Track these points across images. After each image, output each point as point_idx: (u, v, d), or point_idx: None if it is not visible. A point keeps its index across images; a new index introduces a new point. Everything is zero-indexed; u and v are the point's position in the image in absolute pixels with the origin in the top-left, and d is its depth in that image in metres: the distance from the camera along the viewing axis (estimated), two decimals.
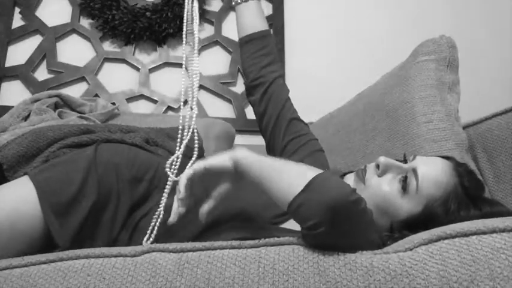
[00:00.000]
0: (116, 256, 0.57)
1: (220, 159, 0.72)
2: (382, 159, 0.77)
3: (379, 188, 0.75)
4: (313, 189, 0.59)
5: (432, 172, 0.74)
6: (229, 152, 0.72)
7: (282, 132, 1.04)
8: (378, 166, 0.77)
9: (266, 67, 1.06)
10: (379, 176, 0.77)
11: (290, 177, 0.63)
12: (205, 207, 0.72)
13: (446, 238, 0.53)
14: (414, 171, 0.74)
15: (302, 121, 1.08)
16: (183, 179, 0.72)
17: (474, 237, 0.52)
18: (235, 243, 0.57)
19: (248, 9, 1.06)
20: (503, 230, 0.52)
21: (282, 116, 1.04)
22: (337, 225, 0.56)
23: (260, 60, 1.06)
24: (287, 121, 1.04)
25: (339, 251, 0.56)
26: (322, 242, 0.57)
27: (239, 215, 0.82)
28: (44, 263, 0.57)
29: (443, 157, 0.81)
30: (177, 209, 0.73)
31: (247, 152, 0.71)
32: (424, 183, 0.73)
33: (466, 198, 0.74)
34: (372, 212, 0.61)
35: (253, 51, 1.06)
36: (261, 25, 1.06)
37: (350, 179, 0.80)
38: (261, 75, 1.05)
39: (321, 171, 0.63)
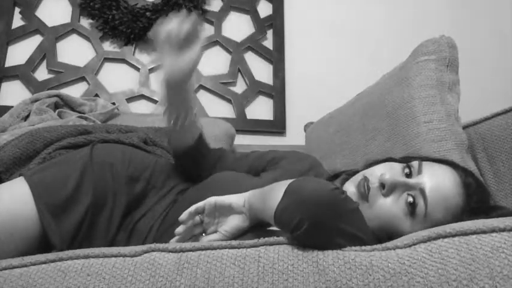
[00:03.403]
0: (115, 256, 0.57)
1: (232, 198, 0.72)
2: (388, 178, 0.72)
3: (386, 211, 0.71)
4: (289, 193, 0.58)
5: (441, 194, 0.71)
6: (242, 194, 0.73)
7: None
8: (382, 185, 0.73)
9: (206, 168, 1.00)
10: (385, 195, 0.72)
11: (275, 195, 0.63)
12: (209, 238, 0.72)
13: (445, 237, 0.53)
14: (422, 192, 0.71)
15: (258, 155, 1.03)
16: (191, 207, 0.73)
17: (474, 236, 0.52)
18: (234, 242, 0.57)
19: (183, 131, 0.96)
20: (503, 230, 0.52)
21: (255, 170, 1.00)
22: (319, 217, 0.54)
23: (201, 165, 1.00)
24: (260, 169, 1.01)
25: (336, 248, 0.55)
26: (312, 241, 0.56)
27: None
28: (44, 263, 0.57)
29: (449, 163, 0.77)
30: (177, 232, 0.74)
31: (255, 191, 0.72)
32: (433, 208, 0.70)
33: (472, 213, 0.71)
34: (357, 203, 0.60)
35: (190, 163, 0.99)
36: (192, 139, 0.97)
37: (349, 189, 0.77)
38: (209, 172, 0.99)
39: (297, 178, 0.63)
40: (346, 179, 0.81)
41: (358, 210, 0.60)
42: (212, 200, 0.73)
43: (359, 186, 0.75)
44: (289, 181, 0.62)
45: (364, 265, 0.52)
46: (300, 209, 0.55)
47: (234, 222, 0.72)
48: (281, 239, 0.58)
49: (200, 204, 0.73)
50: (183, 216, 0.73)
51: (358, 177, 0.78)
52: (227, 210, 0.72)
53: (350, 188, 0.77)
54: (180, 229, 0.73)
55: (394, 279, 0.50)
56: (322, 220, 0.55)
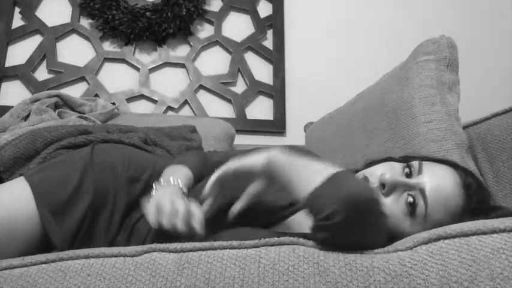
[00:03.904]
0: (116, 256, 0.57)
1: (250, 160, 0.72)
2: (388, 178, 0.72)
3: (386, 211, 0.72)
4: (333, 182, 0.59)
5: (442, 194, 0.70)
6: (261, 152, 0.72)
7: None
8: (383, 185, 0.73)
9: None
10: (385, 195, 0.72)
11: (312, 173, 0.64)
12: (236, 207, 0.72)
13: (446, 238, 0.53)
14: (422, 192, 0.71)
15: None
16: (212, 178, 0.73)
17: (474, 237, 0.52)
18: (235, 243, 0.57)
19: None
20: (503, 230, 0.52)
21: None
22: (353, 217, 0.55)
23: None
24: None
25: (347, 250, 0.56)
26: (334, 235, 0.56)
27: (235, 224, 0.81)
28: (44, 263, 0.57)
29: (449, 164, 0.77)
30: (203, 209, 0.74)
31: (278, 152, 0.71)
32: (433, 209, 0.70)
33: (472, 214, 0.71)
34: (386, 214, 0.60)
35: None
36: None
37: None
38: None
39: (341, 169, 0.63)
40: None
41: (386, 222, 0.60)
42: (230, 166, 0.73)
43: None
44: (330, 167, 0.63)
45: (365, 267, 0.52)
46: (339, 201, 0.56)
47: (255, 187, 0.72)
48: (282, 239, 0.58)
49: (221, 171, 0.73)
50: (207, 189, 0.73)
51: (358, 176, 0.78)
52: (247, 175, 0.72)
53: None
54: (205, 206, 0.73)
55: (395, 281, 0.50)
56: (355, 220, 0.55)
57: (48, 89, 1.61)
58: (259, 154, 0.72)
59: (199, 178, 0.91)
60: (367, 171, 0.77)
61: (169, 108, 1.73)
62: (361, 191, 0.57)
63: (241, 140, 1.66)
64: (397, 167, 0.76)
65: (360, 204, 0.55)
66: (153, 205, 0.68)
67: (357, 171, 0.81)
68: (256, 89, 1.79)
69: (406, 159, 0.78)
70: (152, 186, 0.89)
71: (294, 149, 0.79)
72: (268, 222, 0.82)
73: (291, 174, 0.67)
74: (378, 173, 0.75)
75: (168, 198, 0.70)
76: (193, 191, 0.87)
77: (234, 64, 1.80)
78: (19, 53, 1.67)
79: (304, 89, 1.85)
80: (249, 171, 0.72)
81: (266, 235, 0.61)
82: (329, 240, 0.57)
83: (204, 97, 1.77)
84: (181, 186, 0.79)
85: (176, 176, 0.82)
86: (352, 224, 0.55)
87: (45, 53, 1.68)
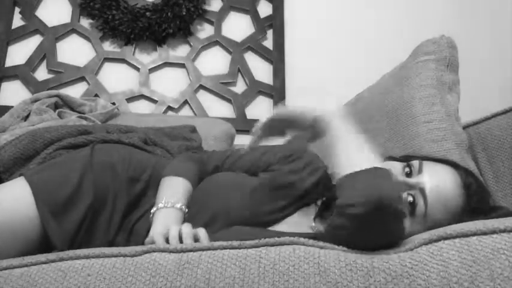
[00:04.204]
0: (116, 256, 0.57)
1: (305, 110, 0.73)
2: None
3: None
4: (370, 176, 0.59)
5: (441, 194, 0.71)
6: (318, 106, 0.73)
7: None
8: None
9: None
10: None
11: (358, 156, 0.65)
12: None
13: (446, 238, 0.53)
14: (422, 191, 0.71)
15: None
16: (264, 117, 0.75)
17: (474, 237, 0.52)
18: (235, 243, 0.57)
19: None
20: (503, 231, 0.52)
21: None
22: (370, 215, 0.56)
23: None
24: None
25: (355, 249, 0.56)
26: (348, 224, 0.57)
27: (233, 221, 0.79)
28: (44, 263, 0.57)
29: (449, 163, 0.78)
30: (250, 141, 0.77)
31: (334, 115, 0.72)
32: (433, 208, 0.70)
33: (472, 214, 0.72)
34: (405, 229, 0.61)
35: None
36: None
37: None
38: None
39: (382, 166, 0.64)
40: None
41: (403, 231, 0.61)
42: (285, 110, 0.74)
43: None
44: (377, 160, 0.64)
45: (365, 267, 0.52)
46: (365, 197, 0.56)
47: (301, 136, 0.75)
48: (282, 239, 0.58)
49: (275, 112, 0.75)
50: (258, 126, 0.76)
51: (397, 182, 0.78)
52: (296, 123, 0.74)
53: None
54: (252, 140, 0.77)
55: (395, 282, 0.50)
56: (371, 218, 0.56)
57: (48, 89, 1.61)
58: (317, 108, 0.73)
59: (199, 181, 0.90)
60: None
61: (169, 108, 1.73)
62: (390, 196, 0.57)
63: (241, 140, 1.66)
64: (398, 166, 0.76)
65: (382, 207, 0.56)
66: (159, 239, 0.67)
67: None
68: (256, 89, 1.79)
69: (406, 159, 0.79)
70: (151, 187, 0.89)
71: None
72: (300, 205, 0.84)
73: (338, 144, 0.68)
74: None
75: (172, 230, 0.68)
76: (195, 191, 0.87)
77: (234, 64, 1.80)
78: (19, 53, 1.67)
79: (304, 89, 1.85)
80: (300, 120, 0.73)
81: (266, 235, 0.61)
82: (342, 230, 0.58)
83: (204, 97, 1.77)
84: (179, 206, 0.78)
85: (174, 194, 0.81)
86: (367, 220, 0.56)
87: (45, 53, 1.68)
